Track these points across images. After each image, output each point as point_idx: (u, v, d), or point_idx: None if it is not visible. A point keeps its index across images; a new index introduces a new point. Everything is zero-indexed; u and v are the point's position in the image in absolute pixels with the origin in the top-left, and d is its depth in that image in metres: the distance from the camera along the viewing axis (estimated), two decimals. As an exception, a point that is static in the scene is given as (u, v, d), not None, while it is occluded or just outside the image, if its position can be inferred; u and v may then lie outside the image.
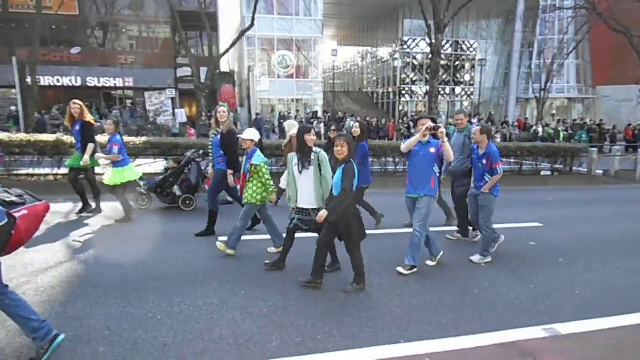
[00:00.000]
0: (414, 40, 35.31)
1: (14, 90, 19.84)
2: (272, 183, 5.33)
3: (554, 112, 36.68)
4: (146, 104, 25.28)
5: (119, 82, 26.51)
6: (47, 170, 9.46)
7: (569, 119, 31.86)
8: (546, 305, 4.28)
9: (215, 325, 3.70)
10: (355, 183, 4.31)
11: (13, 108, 20.44)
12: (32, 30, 19.42)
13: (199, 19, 21.29)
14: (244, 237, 5.45)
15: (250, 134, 5.32)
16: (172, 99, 25.38)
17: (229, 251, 5.31)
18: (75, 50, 25.45)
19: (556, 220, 7.81)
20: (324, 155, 4.70)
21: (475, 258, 5.46)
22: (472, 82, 36.95)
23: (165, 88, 25.50)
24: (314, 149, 4.72)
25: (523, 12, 33.38)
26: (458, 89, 37.25)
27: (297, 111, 30.19)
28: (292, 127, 8.12)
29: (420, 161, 4.87)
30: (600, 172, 13.82)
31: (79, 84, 25.63)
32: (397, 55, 35.82)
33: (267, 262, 5.00)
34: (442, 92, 34.19)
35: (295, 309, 4.01)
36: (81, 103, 7.05)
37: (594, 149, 14.30)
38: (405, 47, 35.20)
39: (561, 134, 23.51)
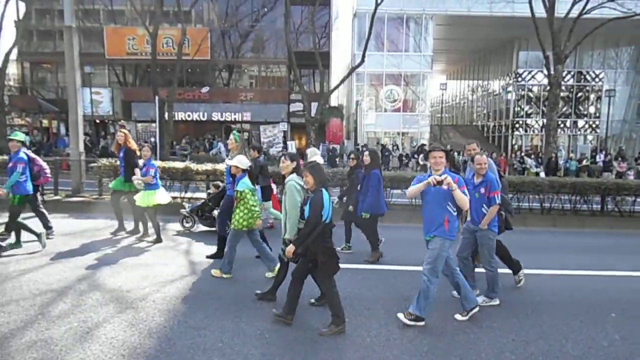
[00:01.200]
0: (529, 72, 33.35)
1: (154, 125, 22.87)
2: (257, 209, 5.36)
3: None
4: (261, 136, 27.26)
5: (238, 117, 29.02)
6: (176, 194, 10.46)
7: None
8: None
9: (320, 349, 3.79)
10: (327, 214, 4.09)
11: (152, 140, 23.45)
12: (173, 74, 22.36)
13: (312, 58, 22.63)
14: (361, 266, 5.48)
15: (236, 161, 5.38)
16: (284, 131, 27.02)
17: (225, 275, 5.48)
18: (205, 90, 28.58)
19: None
20: (290, 185, 4.50)
21: (479, 299, 4.86)
22: (597, 115, 33.50)
23: (279, 122, 27.31)
24: (288, 177, 4.60)
25: (661, 37, 29.76)
26: (581, 122, 34.01)
27: (403, 144, 30.06)
28: (313, 155, 8.14)
29: (431, 199, 4.26)
30: None
31: (205, 118, 28.62)
32: (510, 88, 34.09)
33: (257, 291, 4.89)
34: (561, 125, 31.50)
35: (399, 343, 3.94)
36: (126, 132, 7.65)
37: None
38: (519, 79, 33.38)
39: None
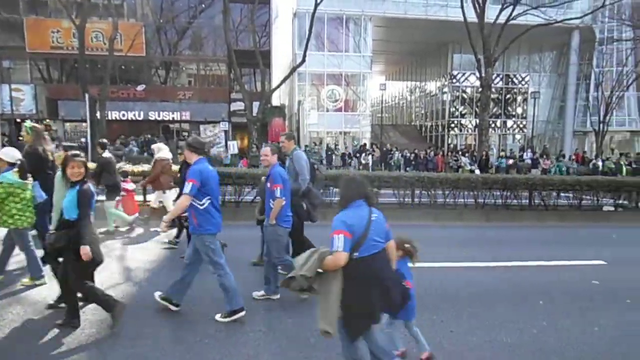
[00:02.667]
0: (463, 74, 35.08)
1: (84, 124, 21.51)
2: (19, 207, 4.95)
3: (614, 145, 34.71)
4: (201, 136, 26.50)
5: (176, 116, 28.00)
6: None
7: (632, 153, 30.00)
8: (622, 350, 3.95)
9: (262, 351, 3.72)
10: (93, 205, 4.03)
11: (83, 140, 22.03)
12: (104, 70, 21.15)
13: (253, 57, 22.34)
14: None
15: (2, 154, 5.11)
16: (225, 131, 26.46)
17: (37, 282, 5.10)
18: (141, 88, 27.30)
19: (622, 259, 7.23)
20: (57, 176, 4.47)
21: (259, 292, 4.93)
22: (524, 115, 35.93)
23: (219, 121, 26.68)
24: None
25: (578, 44, 32.45)
26: (510, 122, 36.31)
27: (345, 144, 30.50)
28: (159, 150, 8.11)
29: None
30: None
31: (141, 117, 27.32)
32: (446, 89, 35.66)
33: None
34: (492, 125, 33.44)
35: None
36: None
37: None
38: (454, 81, 35.02)
39: (624, 169, 22.09)
